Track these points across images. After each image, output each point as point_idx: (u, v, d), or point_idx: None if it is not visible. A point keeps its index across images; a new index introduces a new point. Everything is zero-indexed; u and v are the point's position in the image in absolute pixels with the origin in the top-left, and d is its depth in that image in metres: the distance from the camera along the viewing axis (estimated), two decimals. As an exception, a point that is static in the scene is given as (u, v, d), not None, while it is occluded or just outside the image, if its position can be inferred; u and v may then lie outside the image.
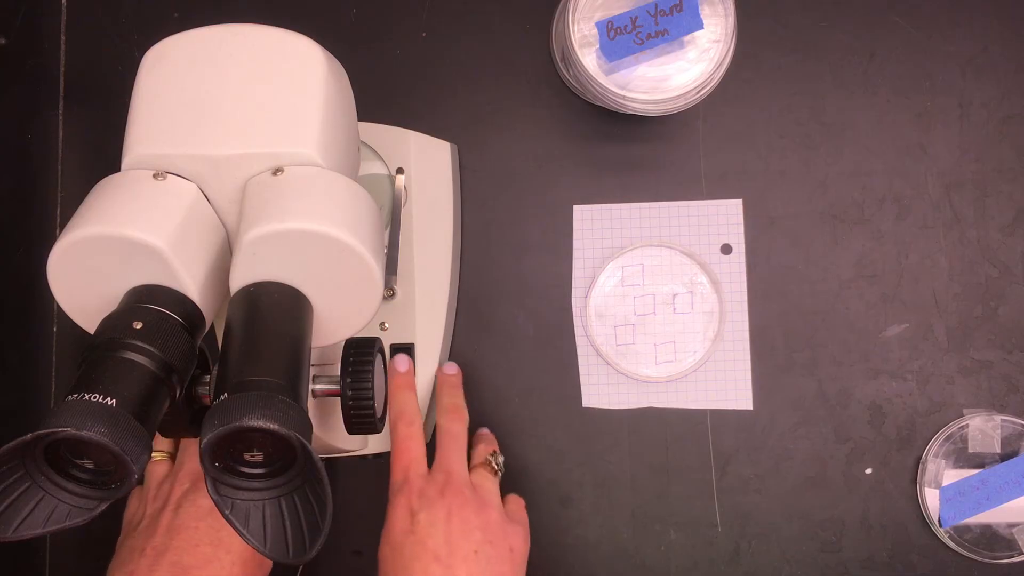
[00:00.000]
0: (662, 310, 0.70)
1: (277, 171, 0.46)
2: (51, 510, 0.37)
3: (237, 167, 0.46)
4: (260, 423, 0.36)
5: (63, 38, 0.72)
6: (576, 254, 0.71)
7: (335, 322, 0.47)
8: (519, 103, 0.71)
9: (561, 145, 0.71)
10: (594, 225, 0.71)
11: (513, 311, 0.71)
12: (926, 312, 0.70)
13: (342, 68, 0.52)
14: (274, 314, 0.43)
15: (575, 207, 0.71)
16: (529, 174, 0.71)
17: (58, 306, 0.71)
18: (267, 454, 0.38)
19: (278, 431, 0.36)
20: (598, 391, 0.70)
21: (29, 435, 0.35)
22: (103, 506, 0.38)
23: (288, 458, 0.38)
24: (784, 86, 0.71)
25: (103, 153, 0.72)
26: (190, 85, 0.47)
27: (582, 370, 0.70)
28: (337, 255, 0.44)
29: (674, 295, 0.70)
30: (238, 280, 0.44)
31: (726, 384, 0.70)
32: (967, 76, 0.71)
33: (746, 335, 0.70)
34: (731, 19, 0.63)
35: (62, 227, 0.72)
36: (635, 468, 0.70)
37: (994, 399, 0.70)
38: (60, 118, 0.72)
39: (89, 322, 0.46)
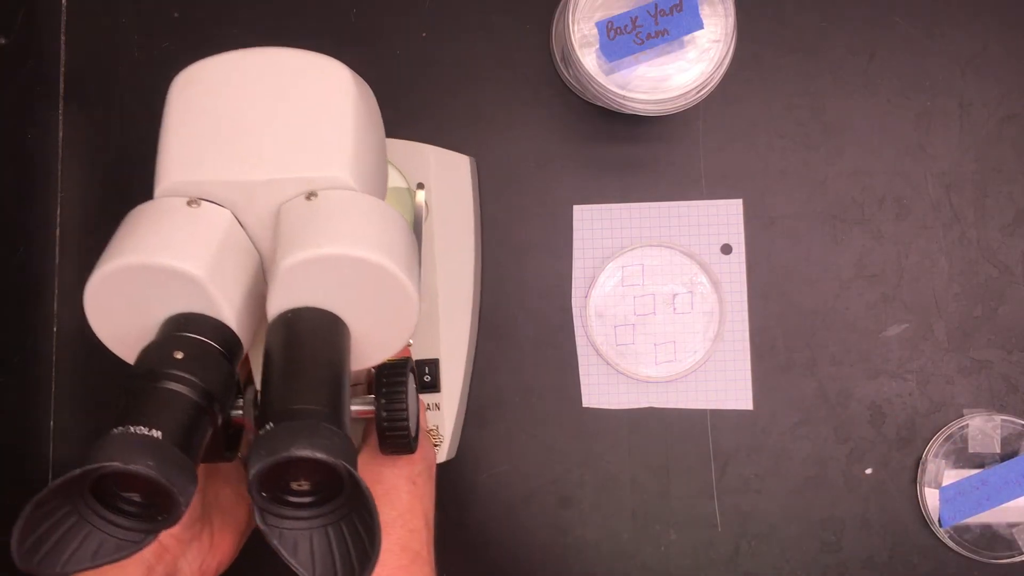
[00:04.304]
0: (662, 310, 0.70)
1: (311, 195, 0.45)
2: (99, 544, 0.37)
3: (271, 192, 0.46)
4: (308, 452, 0.36)
5: (63, 38, 0.72)
6: (576, 254, 0.71)
7: (371, 345, 0.47)
8: (519, 103, 0.71)
9: (561, 145, 0.71)
10: (594, 225, 0.71)
11: (513, 311, 0.71)
12: (926, 312, 0.70)
13: (370, 89, 0.52)
14: (314, 340, 0.43)
15: (575, 207, 0.71)
16: (529, 174, 0.71)
17: (58, 305, 0.72)
18: (314, 483, 0.38)
19: (326, 460, 0.36)
20: (598, 391, 0.70)
21: (77, 470, 0.35)
22: (150, 539, 0.38)
23: (335, 486, 0.38)
24: (784, 86, 0.71)
25: (103, 153, 0.72)
26: (221, 110, 0.47)
27: (582, 370, 0.70)
28: (374, 279, 0.44)
29: (674, 295, 0.70)
30: (276, 306, 0.44)
31: (726, 384, 0.70)
32: (967, 76, 0.71)
33: (746, 335, 0.70)
34: (731, 19, 0.63)
35: (62, 227, 0.72)
36: (635, 468, 0.70)
37: (994, 399, 0.70)
38: (60, 118, 0.72)
39: (126, 351, 0.46)
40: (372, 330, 0.46)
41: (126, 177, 0.72)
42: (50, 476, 0.70)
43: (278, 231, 0.45)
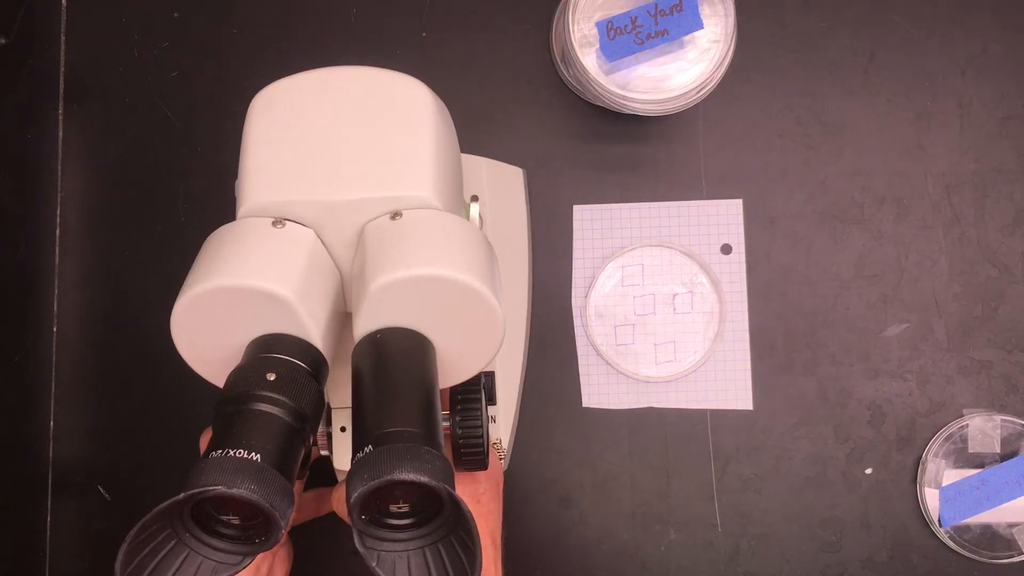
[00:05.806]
0: (662, 310, 0.70)
1: (395, 215, 0.45)
2: (197, 566, 0.37)
3: (355, 212, 0.46)
4: (412, 476, 0.36)
5: (63, 38, 0.72)
6: (576, 254, 0.71)
7: (456, 364, 0.47)
8: (519, 103, 0.71)
9: (561, 145, 0.71)
10: (594, 225, 0.71)
11: (513, 311, 0.71)
12: (926, 312, 0.70)
13: (445, 107, 0.52)
14: (404, 361, 0.43)
15: (575, 207, 0.71)
16: (529, 174, 0.71)
17: (58, 306, 0.72)
18: (412, 505, 0.38)
19: (428, 483, 0.36)
20: (598, 391, 0.70)
21: (181, 495, 0.35)
22: (248, 560, 0.38)
23: (434, 508, 0.38)
24: (784, 86, 0.71)
25: (103, 153, 0.72)
26: (302, 130, 0.47)
27: (582, 370, 0.70)
28: (462, 298, 0.44)
29: (674, 295, 0.70)
30: (364, 326, 0.44)
31: (726, 384, 0.70)
32: (967, 76, 0.71)
33: (746, 335, 0.70)
34: (731, 19, 0.63)
35: (62, 227, 0.72)
36: (635, 468, 0.70)
37: (994, 399, 0.70)
38: (60, 118, 0.72)
39: (212, 373, 0.46)
40: (457, 349, 0.46)
41: (126, 177, 0.72)
42: (50, 476, 0.70)
43: (364, 251, 0.45)
